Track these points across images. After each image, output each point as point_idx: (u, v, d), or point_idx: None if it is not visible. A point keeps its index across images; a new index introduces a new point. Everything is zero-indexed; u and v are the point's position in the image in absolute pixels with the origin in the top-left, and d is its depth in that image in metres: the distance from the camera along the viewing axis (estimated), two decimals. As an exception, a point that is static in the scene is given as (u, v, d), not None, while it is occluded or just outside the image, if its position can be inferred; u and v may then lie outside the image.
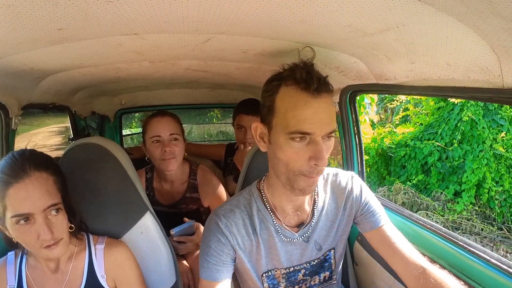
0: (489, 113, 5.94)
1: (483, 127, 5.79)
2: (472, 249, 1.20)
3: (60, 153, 1.52)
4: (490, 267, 1.12)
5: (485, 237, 5.16)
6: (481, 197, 5.54)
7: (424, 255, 1.16)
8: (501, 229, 5.34)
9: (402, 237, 1.17)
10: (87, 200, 1.33)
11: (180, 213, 1.96)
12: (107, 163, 1.40)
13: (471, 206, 5.69)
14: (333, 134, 1.01)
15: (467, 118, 5.86)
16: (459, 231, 5.37)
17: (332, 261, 1.26)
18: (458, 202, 5.80)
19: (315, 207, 1.21)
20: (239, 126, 2.30)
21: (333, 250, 1.25)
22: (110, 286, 1.25)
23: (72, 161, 1.34)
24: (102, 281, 1.23)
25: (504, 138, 5.65)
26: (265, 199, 1.18)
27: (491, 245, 4.98)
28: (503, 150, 5.54)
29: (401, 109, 8.86)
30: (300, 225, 1.19)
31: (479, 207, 5.63)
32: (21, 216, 1.02)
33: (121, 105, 3.21)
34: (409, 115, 8.15)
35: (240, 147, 2.27)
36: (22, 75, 1.38)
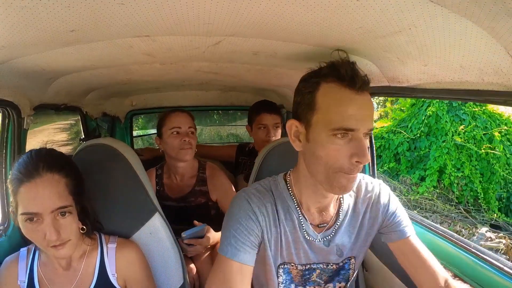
0: (453, 109, 6.91)
1: (446, 121, 6.77)
2: (485, 256, 1.18)
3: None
4: (503, 275, 1.10)
5: (446, 216, 6.27)
6: (443, 181, 6.60)
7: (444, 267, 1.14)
8: (459, 209, 6.48)
9: (427, 250, 1.14)
10: (97, 200, 1.33)
11: (190, 207, 2.05)
12: (117, 164, 1.41)
13: (432, 188, 6.75)
14: (371, 133, 1.01)
15: (431, 113, 6.95)
16: (419, 209, 6.60)
17: (351, 271, 1.22)
18: (421, 185, 6.90)
19: (340, 210, 1.17)
20: (261, 125, 2.32)
21: (353, 259, 1.21)
22: (121, 285, 1.26)
23: (83, 162, 1.35)
24: (113, 280, 1.24)
25: (463, 130, 6.59)
26: (291, 192, 1.14)
27: (449, 221, 6.02)
28: (461, 140, 6.49)
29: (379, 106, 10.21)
30: (321, 225, 1.15)
31: (441, 190, 6.72)
32: (29, 215, 1.04)
33: (132, 107, 3.23)
34: (388, 111, 9.34)
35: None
36: (35, 76, 1.39)
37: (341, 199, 1.18)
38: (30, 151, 1.14)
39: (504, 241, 4.76)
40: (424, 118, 7.14)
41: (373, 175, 1.84)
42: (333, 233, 1.15)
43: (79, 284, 1.21)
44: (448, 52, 0.97)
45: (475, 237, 5.07)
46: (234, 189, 2.12)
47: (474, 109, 6.84)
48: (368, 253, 1.58)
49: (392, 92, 1.40)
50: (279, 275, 1.15)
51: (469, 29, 0.82)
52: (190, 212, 1.99)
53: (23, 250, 1.23)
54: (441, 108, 6.89)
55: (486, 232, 5.12)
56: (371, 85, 1.46)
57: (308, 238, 1.13)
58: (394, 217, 1.18)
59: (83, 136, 2.73)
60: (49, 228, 1.05)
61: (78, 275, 1.21)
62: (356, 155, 0.95)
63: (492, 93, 0.96)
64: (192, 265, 1.87)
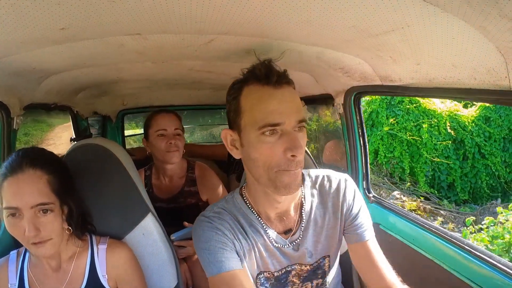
0: (391, 106, 8.25)
1: (383, 116, 8.18)
2: (477, 253, 1.19)
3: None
4: (495, 271, 1.11)
5: (376, 185, 7.91)
6: (378, 160, 8.17)
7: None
8: (390, 180, 8.22)
9: (382, 256, 1.14)
10: (88, 201, 1.32)
11: (180, 207, 2.02)
12: (109, 164, 1.39)
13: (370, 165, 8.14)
14: (304, 125, 1.00)
15: (370, 109, 8.32)
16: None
17: (326, 268, 1.20)
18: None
19: (302, 212, 1.15)
20: None
21: (328, 258, 1.20)
22: (111, 286, 1.24)
23: (74, 162, 1.34)
24: (103, 281, 1.22)
25: (395, 122, 8.08)
26: (249, 205, 1.13)
27: (376, 187, 7.78)
28: (390, 129, 8.09)
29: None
30: (287, 232, 1.14)
31: (376, 166, 8.29)
32: (10, 209, 1.04)
33: (123, 106, 3.20)
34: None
35: None
36: (24, 75, 1.37)
37: (303, 200, 1.16)
38: (19, 149, 1.15)
39: (405, 198, 7.25)
40: (366, 114, 8.49)
41: (366, 178, 1.84)
42: (300, 237, 1.14)
43: (69, 285, 1.20)
44: (440, 51, 0.98)
45: (389, 197, 7.33)
46: (225, 188, 2.11)
47: (408, 106, 8.25)
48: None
49: (384, 91, 1.41)
50: (258, 285, 1.14)
51: (461, 29, 0.83)
52: (181, 213, 1.95)
53: (13, 253, 1.22)
54: (381, 106, 8.28)
55: (396, 194, 7.45)
56: (364, 84, 1.48)
57: (277, 245, 1.12)
58: (356, 219, 1.17)
59: (74, 136, 2.70)
60: (28, 224, 1.04)
61: (68, 276, 1.20)
62: (289, 150, 0.95)
63: (484, 92, 0.97)
64: (185, 266, 1.86)
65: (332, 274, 1.24)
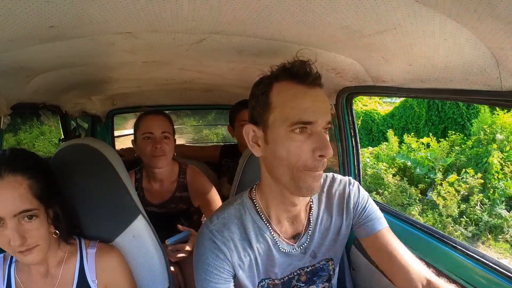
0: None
1: None
2: (471, 253, 1.19)
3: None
4: (489, 271, 1.12)
5: None
6: None
7: (422, 260, 1.14)
8: None
9: (402, 245, 1.12)
10: (77, 203, 1.30)
11: (171, 213, 1.97)
12: (98, 165, 1.37)
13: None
14: (330, 126, 0.99)
15: None
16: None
17: (331, 272, 1.20)
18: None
19: (310, 215, 1.15)
20: (243, 122, 2.29)
21: (331, 261, 1.20)
22: None
23: (62, 163, 1.31)
24: (93, 286, 1.20)
25: None
26: (259, 210, 1.11)
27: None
28: None
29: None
30: (296, 236, 1.14)
31: None
32: None
33: (113, 106, 3.17)
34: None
35: None
36: (12, 74, 1.35)
37: (311, 204, 1.16)
38: None
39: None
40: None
41: (358, 178, 1.84)
42: (307, 241, 1.14)
43: None
44: (433, 52, 0.98)
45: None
46: (217, 193, 2.04)
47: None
48: (354, 252, 1.58)
49: (376, 91, 1.41)
50: None
51: (453, 30, 0.83)
52: (172, 219, 1.92)
53: None
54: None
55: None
56: (356, 84, 1.48)
57: (285, 251, 1.11)
58: (364, 212, 1.17)
59: (62, 137, 2.67)
60: (12, 233, 0.99)
61: (56, 282, 1.17)
62: (318, 149, 0.94)
63: (476, 93, 0.97)
64: (177, 269, 1.84)
65: (336, 277, 1.24)
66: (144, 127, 1.89)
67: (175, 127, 2.02)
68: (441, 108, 9.93)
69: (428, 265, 1.30)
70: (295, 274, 1.15)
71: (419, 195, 7.31)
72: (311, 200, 1.17)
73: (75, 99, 2.43)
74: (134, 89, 2.76)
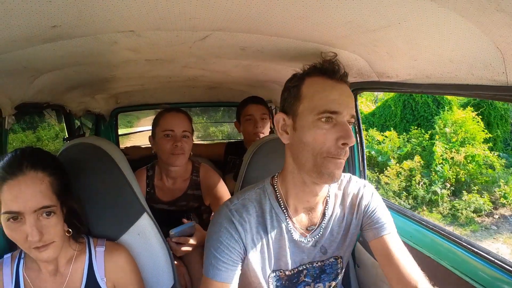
0: None
1: None
2: (476, 249, 1.19)
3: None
4: (493, 268, 1.11)
5: None
6: None
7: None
8: None
9: (405, 250, 1.14)
10: (82, 202, 1.30)
11: (181, 211, 1.96)
12: (103, 164, 1.37)
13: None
14: (353, 121, 1.06)
15: None
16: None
17: (339, 270, 1.23)
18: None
19: (326, 209, 1.18)
20: (248, 116, 2.33)
21: (340, 259, 1.22)
22: None
23: (67, 162, 1.31)
24: (102, 284, 1.21)
25: None
26: (279, 196, 1.14)
27: None
28: None
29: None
30: (310, 228, 1.16)
31: None
32: (11, 214, 1.00)
33: (117, 104, 3.18)
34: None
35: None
36: (15, 74, 1.35)
37: (328, 198, 1.19)
38: (16, 149, 1.10)
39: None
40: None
41: (363, 175, 1.84)
42: (320, 233, 1.16)
43: None
44: (437, 46, 0.97)
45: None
46: (227, 190, 2.03)
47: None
48: (359, 249, 1.58)
49: (381, 87, 1.40)
50: (270, 284, 1.15)
51: (458, 24, 0.82)
52: (181, 216, 1.86)
53: (7, 256, 1.18)
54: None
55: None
56: (360, 80, 1.47)
57: (298, 240, 1.14)
58: (373, 214, 1.19)
59: (67, 136, 2.68)
60: (32, 228, 1.01)
61: (65, 280, 1.17)
62: (342, 138, 1.00)
63: (481, 88, 0.96)
64: (184, 269, 1.83)
65: (342, 275, 1.26)
66: (165, 124, 1.87)
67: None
68: (415, 107, 10.80)
69: (433, 261, 1.30)
70: (304, 268, 1.17)
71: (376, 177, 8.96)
72: (328, 194, 1.20)
73: (78, 98, 2.44)
74: (138, 87, 2.76)
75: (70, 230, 1.16)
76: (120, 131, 3.65)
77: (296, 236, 1.13)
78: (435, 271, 1.31)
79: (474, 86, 0.98)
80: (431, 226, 1.39)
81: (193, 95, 3.11)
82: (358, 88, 1.59)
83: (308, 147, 1.02)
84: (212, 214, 2.09)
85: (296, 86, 1.08)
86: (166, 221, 1.59)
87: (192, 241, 1.68)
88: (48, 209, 1.05)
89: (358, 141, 1.80)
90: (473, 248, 1.19)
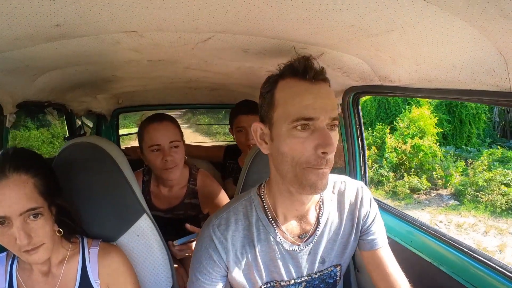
0: None
1: None
2: (476, 255, 1.18)
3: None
4: (493, 273, 1.10)
5: None
6: None
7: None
8: None
9: (395, 262, 1.14)
10: (82, 201, 1.30)
11: (177, 219, 1.89)
12: (103, 163, 1.37)
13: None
14: (337, 123, 0.98)
15: None
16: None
17: (338, 278, 1.19)
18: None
19: (320, 216, 1.13)
20: (239, 128, 2.26)
21: (339, 267, 1.18)
22: None
23: (67, 161, 1.31)
24: (96, 286, 1.19)
25: None
26: (266, 207, 1.10)
27: None
28: None
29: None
30: (303, 236, 1.11)
31: None
32: None
33: (118, 104, 3.18)
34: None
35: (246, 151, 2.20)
36: (17, 72, 1.35)
37: (321, 204, 1.15)
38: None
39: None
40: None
41: (364, 178, 1.83)
42: (314, 242, 1.12)
43: None
44: (440, 51, 0.97)
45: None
46: (227, 196, 1.98)
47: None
48: (359, 253, 1.56)
49: (383, 91, 1.40)
50: None
51: (462, 29, 0.82)
52: (178, 225, 1.76)
53: (2, 255, 1.17)
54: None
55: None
56: (362, 84, 1.47)
57: (288, 252, 1.10)
58: (371, 225, 1.17)
59: (67, 135, 2.68)
60: (19, 232, 0.99)
61: (58, 281, 1.16)
62: (320, 146, 0.92)
63: (484, 93, 0.96)
64: (182, 271, 1.81)
65: (341, 284, 1.24)
66: (149, 139, 1.74)
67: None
68: (387, 107, 12.07)
69: (434, 267, 1.29)
70: (303, 280, 1.13)
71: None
72: (320, 200, 1.15)
73: (80, 97, 2.44)
74: (139, 88, 2.76)
75: (60, 230, 1.14)
76: (126, 131, 3.65)
77: (287, 246, 1.09)
78: (434, 276, 1.30)
79: (476, 91, 0.98)
80: (431, 231, 1.38)
81: (194, 96, 3.10)
82: (360, 92, 1.59)
83: (286, 157, 0.97)
84: None
85: (269, 91, 1.01)
86: (162, 229, 1.52)
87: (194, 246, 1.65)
88: (34, 211, 1.03)
89: (360, 145, 1.79)
90: (475, 255, 1.19)
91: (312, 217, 1.13)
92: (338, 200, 1.17)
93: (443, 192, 9.04)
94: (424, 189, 8.95)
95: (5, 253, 1.18)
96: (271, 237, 1.09)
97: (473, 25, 0.79)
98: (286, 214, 1.10)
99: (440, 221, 7.40)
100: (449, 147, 10.98)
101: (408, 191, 8.81)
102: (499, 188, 7.88)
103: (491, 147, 10.74)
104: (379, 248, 1.14)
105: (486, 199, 7.90)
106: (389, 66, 1.21)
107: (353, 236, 1.17)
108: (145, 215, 1.41)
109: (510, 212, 7.31)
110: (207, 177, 1.98)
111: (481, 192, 8.07)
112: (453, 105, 11.34)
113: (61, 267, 1.18)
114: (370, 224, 1.17)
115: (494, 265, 1.12)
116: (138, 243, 1.38)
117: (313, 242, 1.12)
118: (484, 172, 8.57)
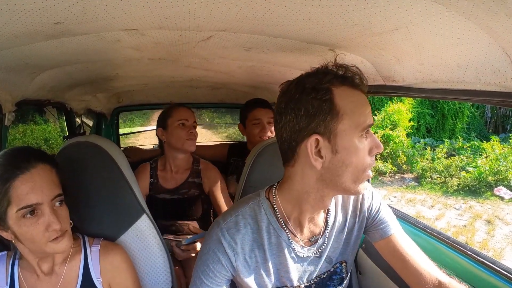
0: None
1: None
2: (482, 259, 1.17)
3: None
4: (500, 278, 1.10)
5: None
6: None
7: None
8: None
9: (415, 247, 1.11)
10: (81, 201, 1.29)
11: (183, 199, 2.13)
12: (103, 163, 1.36)
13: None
14: None
15: None
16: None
17: (344, 275, 1.18)
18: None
19: (328, 217, 1.13)
20: (256, 120, 2.32)
21: (344, 263, 1.17)
22: None
23: (67, 160, 1.30)
24: (98, 284, 1.19)
25: None
26: (277, 211, 1.07)
27: None
28: None
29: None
30: (312, 239, 1.10)
31: None
32: (29, 208, 1.01)
33: (119, 103, 3.18)
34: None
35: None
36: (17, 70, 1.34)
37: (329, 206, 1.14)
38: (7, 149, 1.10)
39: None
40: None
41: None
42: (324, 244, 1.11)
43: None
44: (445, 51, 0.96)
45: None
46: (226, 185, 2.22)
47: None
48: (362, 256, 1.56)
49: (387, 91, 1.38)
50: None
51: (466, 28, 0.81)
52: (183, 205, 2.11)
53: (3, 254, 1.17)
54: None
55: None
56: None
57: (301, 255, 1.08)
58: (376, 215, 1.16)
59: (67, 134, 2.67)
60: (52, 217, 1.03)
61: (60, 280, 1.16)
62: (375, 147, 0.96)
63: (489, 94, 0.95)
64: (180, 270, 1.85)
65: (348, 281, 1.22)
66: (179, 115, 2.12)
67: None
68: (372, 102, 12.16)
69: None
70: (312, 282, 1.12)
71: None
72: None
73: (80, 96, 2.44)
74: (140, 87, 2.76)
75: (71, 222, 1.16)
76: (131, 129, 3.65)
77: (299, 250, 1.08)
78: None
79: (481, 92, 0.97)
80: (436, 234, 1.37)
81: (195, 95, 3.09)
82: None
83: (350, 168, 0.93)
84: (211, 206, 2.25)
85: (325, 100, 0.91)
86: (166, 212, 1.76)
87: (199, 247, 1.70)
88: (60, 197, 1.09)
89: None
90: (479, 258, 1.18)
91: (320, 220, 1.12)
92: (343, 199, 1.17)
93: (407, 176, 10.31)
94: (388, 172, 10.29)
95: (5, 252, 1.17)
96: (282, 241, 1.07)
97: (478, 25, 0.78)
98: (300, 219, 1.08)
99: (395, 197, 8.62)
100: (417, 138, 12.46)
101: (374, 173, 9.79)
102: (459, 172, 9.45)
103: (472, 140, 11.93)
104: (391, 235, 1.13)
105: (442, 181, 9.41)
106: (393, 65, 1.20)
107: (355, 231, 1.16)
108: (144, 215, 1.40)
109: (461, 192, 8.68)
110: (208, 163, 2.28)
111: (437, 175, 9.63)
112: (435, 100, 12.28)
113: (63, 265, 1.18)
114: (376, 214, 1.16)
115: (498, 268, 1.11)
116: (138, 244, 1.38)
117: (323, 245, 1.11)
118: (442, 159, 10.18)
